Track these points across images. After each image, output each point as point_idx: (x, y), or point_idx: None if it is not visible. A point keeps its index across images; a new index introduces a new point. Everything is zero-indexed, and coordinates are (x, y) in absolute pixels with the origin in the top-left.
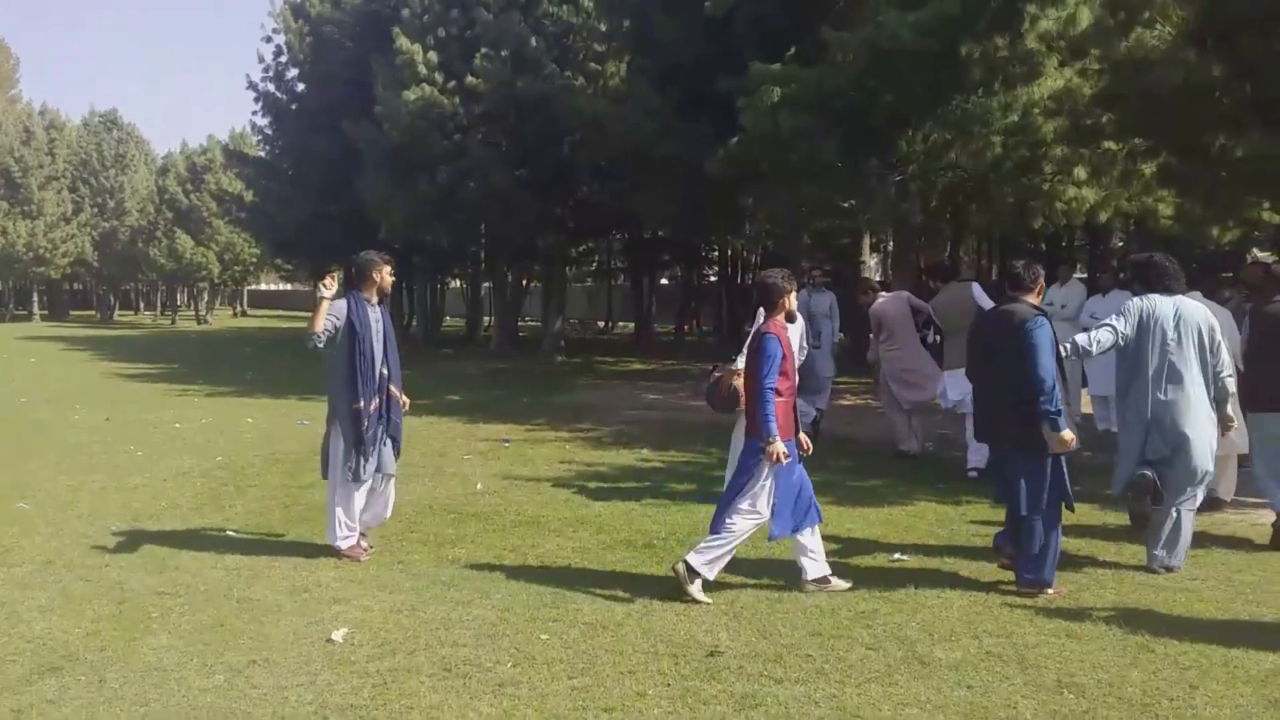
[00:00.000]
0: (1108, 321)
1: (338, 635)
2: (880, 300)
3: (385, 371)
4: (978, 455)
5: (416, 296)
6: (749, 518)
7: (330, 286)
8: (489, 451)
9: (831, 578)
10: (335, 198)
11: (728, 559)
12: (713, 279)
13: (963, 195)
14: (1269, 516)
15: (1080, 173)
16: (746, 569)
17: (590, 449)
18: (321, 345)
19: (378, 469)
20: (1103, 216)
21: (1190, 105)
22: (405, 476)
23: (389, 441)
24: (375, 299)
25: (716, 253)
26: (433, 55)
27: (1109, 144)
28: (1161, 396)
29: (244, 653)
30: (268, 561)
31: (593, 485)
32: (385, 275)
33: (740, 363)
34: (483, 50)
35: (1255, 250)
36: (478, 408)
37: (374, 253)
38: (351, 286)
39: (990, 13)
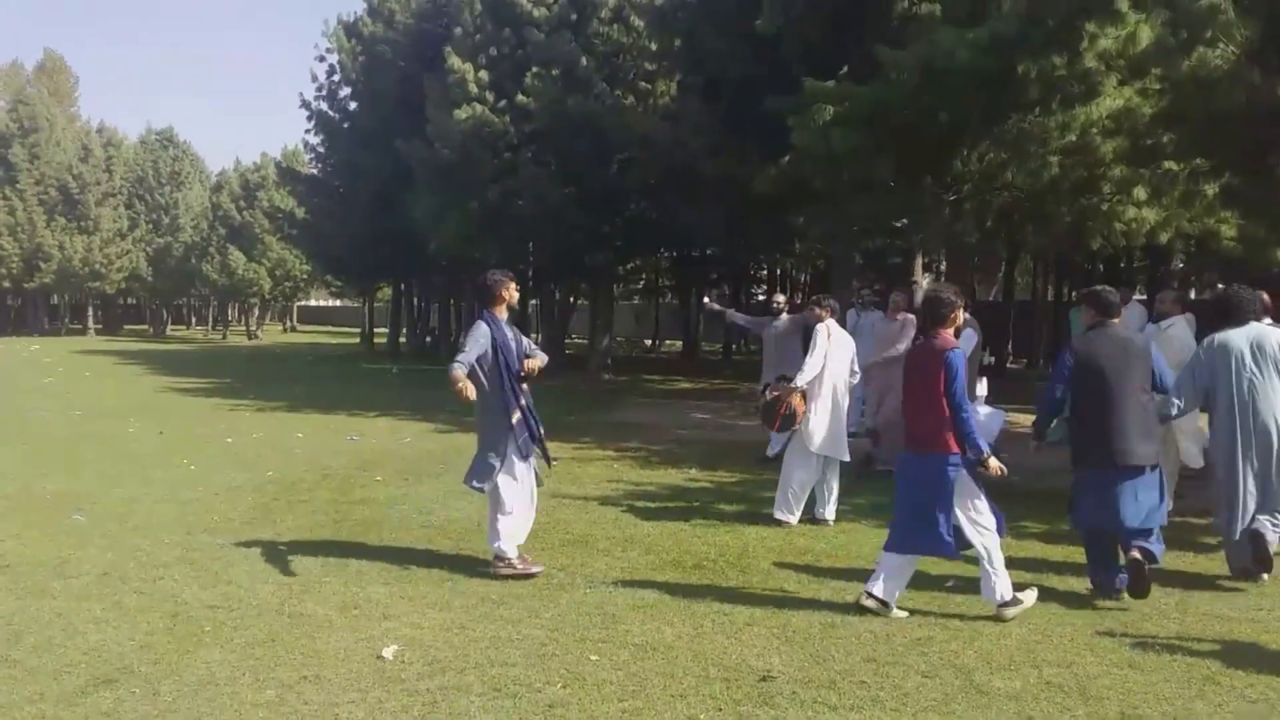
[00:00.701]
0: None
1: (388, 652)
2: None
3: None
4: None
5: (465, 313)
6: (983, 531)
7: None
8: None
9: (894, 608)
10: (385, 215)
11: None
12: (761, 298)
13: (1018, 215)
14: None
15: (1140, 193)
16: (799, 592)
17: (638, 468)
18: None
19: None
20: (1163, 238)
21: (1254, 126)
22: (454, 493)
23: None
24: (504, 316)
25: (765, 271)
26: (484, 74)
27: (1170, 164)
28: (1251, 426)
29: (295, 668)
30: (319, 576)
31: (640, 505)
32: (512, 292)
33: (800, 381)
34: (534, 69)
35: None
36: None
37: (498, 271)
38: (483, 306)
39: (1048, 32)
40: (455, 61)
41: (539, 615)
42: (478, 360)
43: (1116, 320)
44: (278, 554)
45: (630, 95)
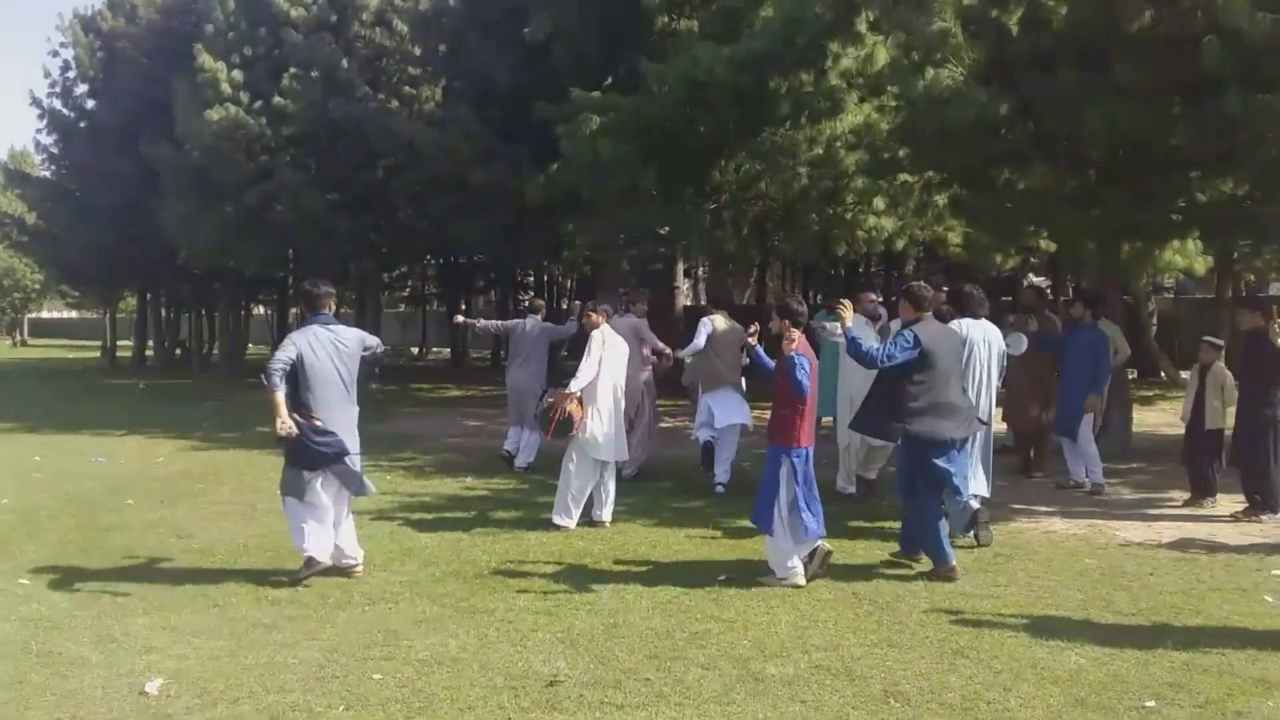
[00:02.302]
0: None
1: (152, 687)
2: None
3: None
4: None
5: (218, 324)
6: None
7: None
8: None
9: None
10: (131, 221)
11: None
12: (526, 304)
13: (771, 224)
14: (1059, 524)
15: (879, 203)
16: (582, 595)
17: (413, 478)
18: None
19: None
20: (899, 244)
21: (979, 141)
22: (215, 515)
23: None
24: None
25: (532, 278)
26: (237, 74)
27: (905, 176)
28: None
29: (48, 711)
30: (68, 610)
31: (417, 516)
32: (331, 307)
33: (574, 387)
34: (291, 70)
35: (1031, 275)
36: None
37: (321, 280)
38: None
39: (797, 50)
40: (206, 60)
41: (315, 637)
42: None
43: (929, 314)
44: (19, 589)
45: (395, 100)
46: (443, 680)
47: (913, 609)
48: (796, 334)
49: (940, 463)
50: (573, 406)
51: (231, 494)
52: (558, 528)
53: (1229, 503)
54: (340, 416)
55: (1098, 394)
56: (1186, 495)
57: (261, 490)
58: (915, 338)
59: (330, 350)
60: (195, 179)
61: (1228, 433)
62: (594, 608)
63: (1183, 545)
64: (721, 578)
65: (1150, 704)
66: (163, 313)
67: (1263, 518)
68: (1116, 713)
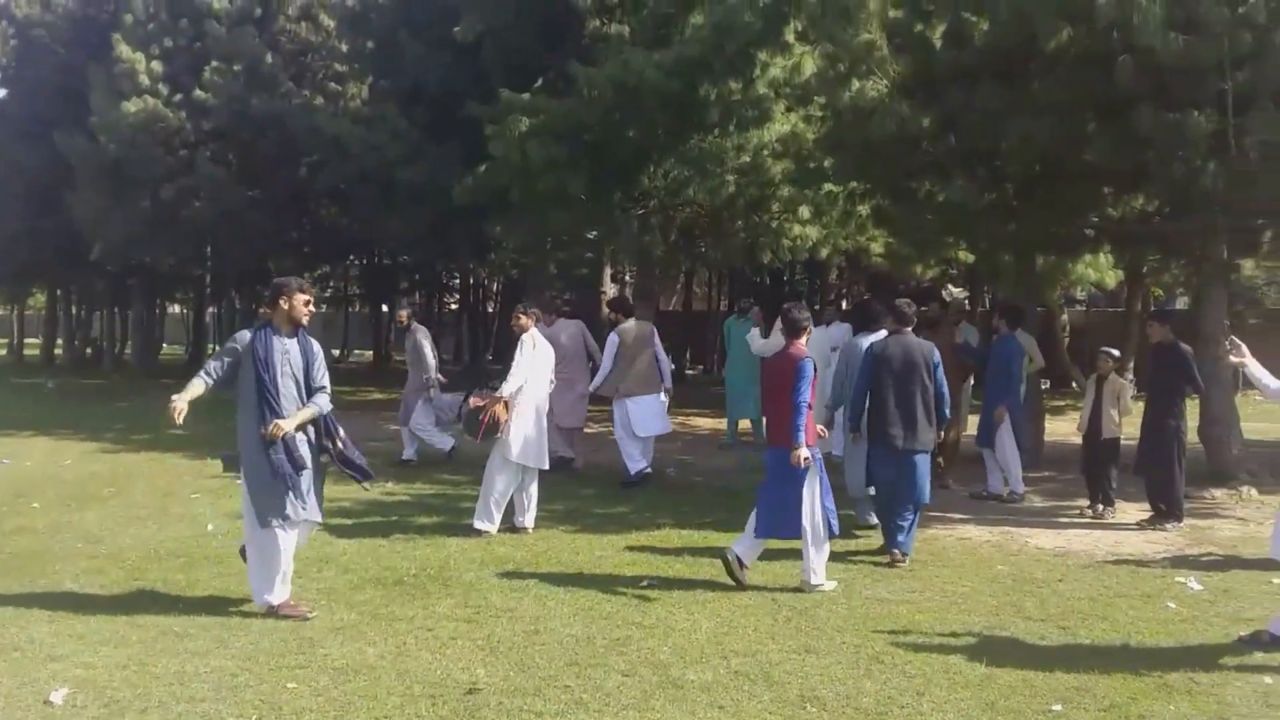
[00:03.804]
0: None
1: (57, 697)
2: (554, 326)
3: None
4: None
5: (132, 322)
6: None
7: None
8: (220, 489)
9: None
10: (42, 214)
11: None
12: (454, 307)
13: (698, 230)
14: (973, 531)
15: (804, 212)
16: (502, 602)
17: (331, 483)
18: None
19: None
20: (824, 253)
21: (902, 153)
22: (126, 519)
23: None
24: (285, 329)
25: (458, 280)
26: (157, 65)
27: (830, 186)
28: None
29: None
30: None
31: (335, 522)
32: (295, 303)
33: (505, 391)
34: (213, 63)
35: (950, 286)
36: (206, 441)
37: (291, 278)
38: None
39: (727, 58)
40: (124, 50)
41: (228, 645)
42: (229, 380)
43: (910, 329)
44: None
45: (320, 96)
46: (359, 689)
47: (831, 615)
48: (800, 341)
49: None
50: (499, 410)
51: (143, 497)
52: (480, 533)
53: (1136, 511)
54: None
55: (1004, 404)
56: (1085, 504)
57: (174, 494)
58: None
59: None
60: (110, 172)
61: (1126, 442)
62: (515, 614)
63: (1091, 553)
64: (644, 584)
65: (1057, 708)
66: (74, 310)
67: (1167, 526)
68: (1025, 716)
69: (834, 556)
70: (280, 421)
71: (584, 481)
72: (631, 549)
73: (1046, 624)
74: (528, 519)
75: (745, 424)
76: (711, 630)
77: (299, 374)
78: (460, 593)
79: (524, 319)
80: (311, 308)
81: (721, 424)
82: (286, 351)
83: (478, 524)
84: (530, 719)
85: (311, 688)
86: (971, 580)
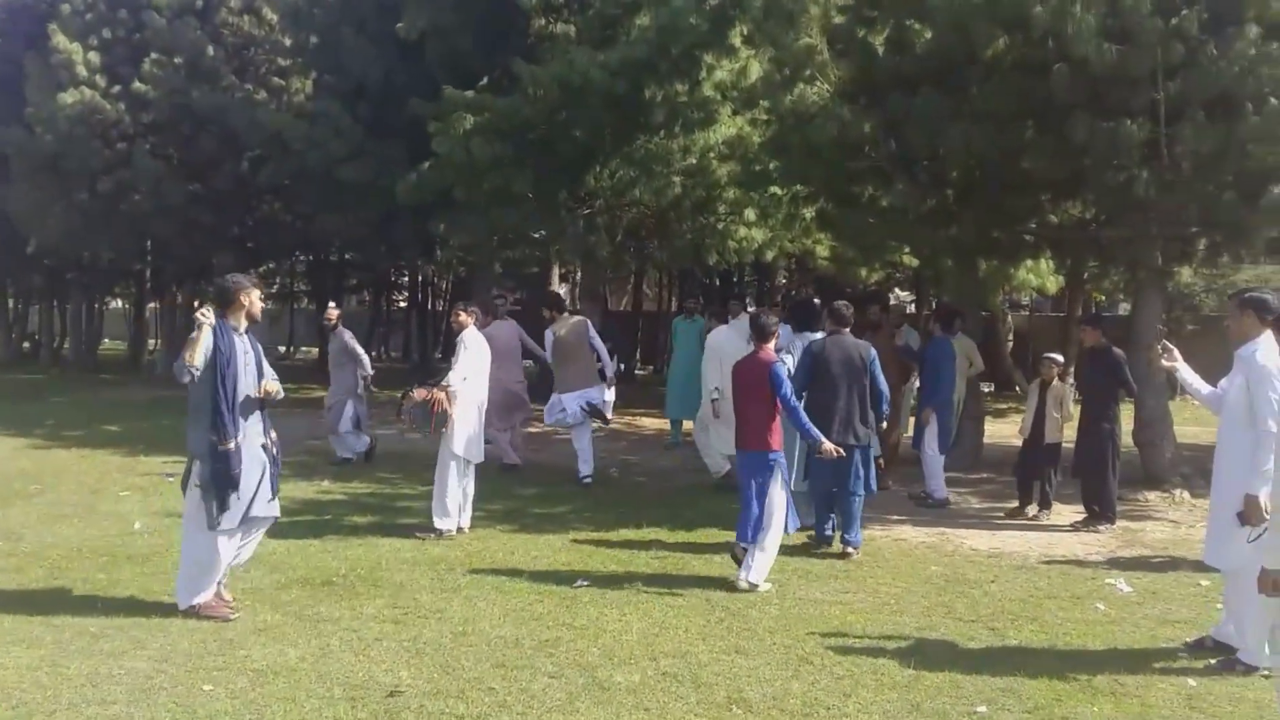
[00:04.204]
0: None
1: None
2: (490, 327)
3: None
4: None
5: (70, 317)
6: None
7: (209, 316)
8: (150, 487)
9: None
10: None
11: None
12: (402, 305)
13: (645, 231)
14: (909, 532)
15: (750, 214)
16: (432, 603)
17: None
18: (198, 378)
19: (247, 516)
20: (769, 255)
21: (844, 157)
22: (51, 517)
23: (269, 484)
24: (243, 326)
25: (406, 278)
26: (94, 56)
27: (775, 189)
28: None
29: None
30: None
31: None
32: (254, 300)
33: (453, 381)
34: (153, 55)
35: (897, 290)
36: (139, 439)
37: (242, 275)
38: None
39: (672, 60)
40: (61, 40)
41: (145, 646)
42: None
43: (848, 330)
44: None
45: (262, 90)
46: (277, 691)
47: (763, 615)
48: (769, 345)
49: None
50: (443, 398)
51: (70, 494)
52: (441, 532)
53: (1070, 513)
54: None
55: (931, 406)
56: (1014, 505)
57: (103, 491)
58: None
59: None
60: (47, 164)
61: (1065, 445)
62: (443, 616)
63: (1024, 554)
64: (578, 584)
65: (981, 709)
66: (10, 304)
67: (1100, 528)
68: (949, 717)
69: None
70: (270, 383)
71: (524, 481)
72: (569, 549)
73: (976, 625)
74: (464, 518)
75: (688, 424)
76: (642, 631)
77: (254, 372)
78: (390, 593)
79: (463, 316)
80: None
81: (667, 424)
82: (247, 351)
83: (438, 523)
84: None
85: (228, 690)
86: (905, 581)
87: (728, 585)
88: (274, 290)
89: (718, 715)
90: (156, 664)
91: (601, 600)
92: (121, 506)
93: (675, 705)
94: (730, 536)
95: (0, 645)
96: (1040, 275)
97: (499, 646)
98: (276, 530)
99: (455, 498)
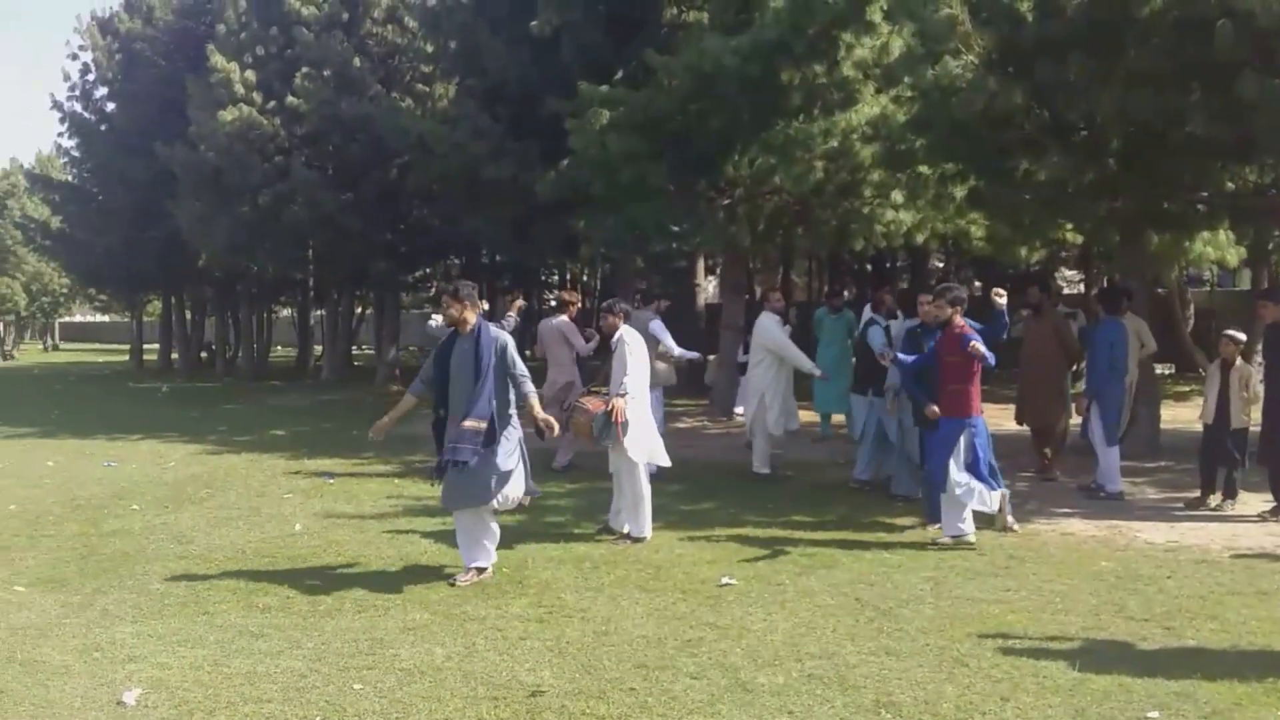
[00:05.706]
0: None
1: (129, 697)
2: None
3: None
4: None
5: (241, 326)
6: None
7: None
8: (311, 489)
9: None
10: (149, 223)
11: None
12: (553, 303)
13: (788, 219)
14: (1077, 526)
15: (897, 196)
16: (576, 602)
17: (420, 482)
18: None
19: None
20: (919, 238)
21: (993, 130)
22: (218, 520)
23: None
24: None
25: (556, 276)
26: (250, 74)
27: (922, 168)
28: None
29: None
30: (58, 619)
31: (421, 521)
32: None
33: (630, 388)
34: (304, 70)
35: (1063, 269)
36: (303, 442)
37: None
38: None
39: (808, 40)
40: (219, 60)
41: (300, 645)
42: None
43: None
44: (13, 596)
45: (407, 97)
46: (423, 690)
47: (916, 615)
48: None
49: None
50: (620, 406)
51: (237, 499)
52: (643, 540)
53: (1258, 502)
54: None
55: (1103, 391)
56: (1195, 495)
57: (268, 495)
58: None
59: None
60: (211, 180)
61: (1252, 429)
62: (587, 615)
63: (1205, 547)
64: (722, 582)
65: (1153, 715)
66: (187, 315)
67: None
68: None
69: (923, 554)
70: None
71: (672, 477)
72: (714, 547)
73: (1150, 624)
74: (620, 520)
75: (839, 417)
76: (788, 631)
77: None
78: (535, 592)
79: (612, 318)
80: None
81: (816, 416)
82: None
83: (645, 533)
84: None
85: (376, 689)
86: (1072, 577)
87: (878, 583)
88: (431, 294)
89: (865, 719)
90: (310, 663)
91: (746, 599)
92: (284, 508)
93: (820, 708)
94: (877, 535)
95: (167, 645)
96: (1219, 248)
97: (641, 646)
98: (429, 531)
99: (648, 503)
